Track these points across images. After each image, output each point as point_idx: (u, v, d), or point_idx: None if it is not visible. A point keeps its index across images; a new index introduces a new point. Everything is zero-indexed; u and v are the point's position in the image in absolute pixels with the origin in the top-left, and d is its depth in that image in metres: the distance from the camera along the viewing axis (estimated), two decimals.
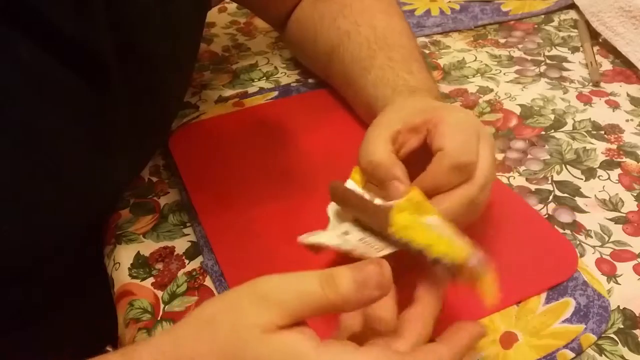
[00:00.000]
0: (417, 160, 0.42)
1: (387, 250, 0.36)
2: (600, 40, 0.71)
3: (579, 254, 0.45)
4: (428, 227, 0.36)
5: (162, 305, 0.43)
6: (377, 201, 0.39)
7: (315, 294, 0.29)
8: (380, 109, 0.49)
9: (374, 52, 0.54)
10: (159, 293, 0.44)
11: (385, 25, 0.56)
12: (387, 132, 0.43)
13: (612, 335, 0.40)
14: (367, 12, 0.57)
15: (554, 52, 0.70)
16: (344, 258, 0.43)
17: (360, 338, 0.33)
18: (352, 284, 0.30)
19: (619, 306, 0.42)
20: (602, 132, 0.58)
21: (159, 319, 0.42)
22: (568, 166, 0.54)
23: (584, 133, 0.57)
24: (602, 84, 0.64)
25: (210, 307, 0.31)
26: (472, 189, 0.39)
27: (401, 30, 0.57)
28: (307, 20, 0.61)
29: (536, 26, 0.75)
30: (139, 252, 0.47)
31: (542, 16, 0.77)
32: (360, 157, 0.43)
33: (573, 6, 0.78)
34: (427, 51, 0.70)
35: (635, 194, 0.51)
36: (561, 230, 0.48)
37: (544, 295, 0.42)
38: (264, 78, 0.66)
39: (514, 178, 0.53)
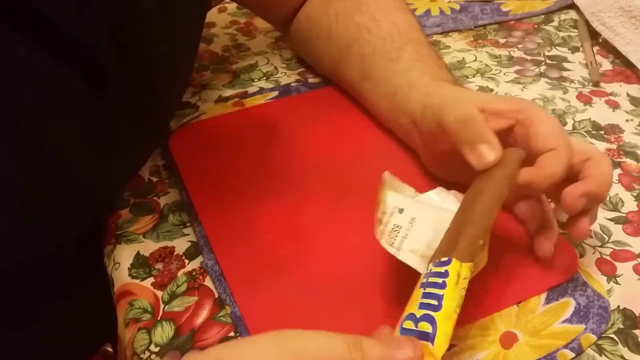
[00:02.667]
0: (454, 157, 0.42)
1: (405, 258, 0.36)
2: (600, 40, 0.71)
3: (578, 254, 0.45)
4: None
5: (162, 305, 0.43)
6: None
7: (343, 356, 0.29)
8: (416, 94, 0.49)
9: (400, 45, 0.53)
10: (159, 293, 0.44)
11: (404, 21, 0.56)
12: (474, 101, 0.42)
13: (612, 336, 0.40)
14: (385, 9, 0.57)
15: (554, 52, 0.70)
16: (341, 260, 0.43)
17: None
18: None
19: (619, 306, 0.42)
20: (602, 132, 0.58)
21: (158, 319, 0.42)
22: None
23: (584, 133, 0.57)
24: (602, 84, 0.64)
25: (231, 357, 0.29)
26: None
27: (419, 27, 0.57)
28: (319, 17, 0.61)
29: (536, 26, 0.75)
30: (138, 252, 0.47)
31: (542, 16, 0.77)
32: (447, 115, 0.42)
33: (573, 6, 0.78)
34: None
35: (635, 194, 0.51)
36: (561, 231, 0.48)
37: (544, 296, 0.42)
38: (264, 78, 0.66)
39: None
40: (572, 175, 0.41)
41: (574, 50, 0.70)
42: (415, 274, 0.36)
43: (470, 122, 0.41)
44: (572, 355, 0.39)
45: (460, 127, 0.41)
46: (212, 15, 0.80)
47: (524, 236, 0.46)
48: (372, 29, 0.56)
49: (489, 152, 0.39)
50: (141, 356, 0.40)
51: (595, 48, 0.70)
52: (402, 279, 0.43)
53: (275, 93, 0.63)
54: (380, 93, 0.54)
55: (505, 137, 0.42)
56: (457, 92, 0.46)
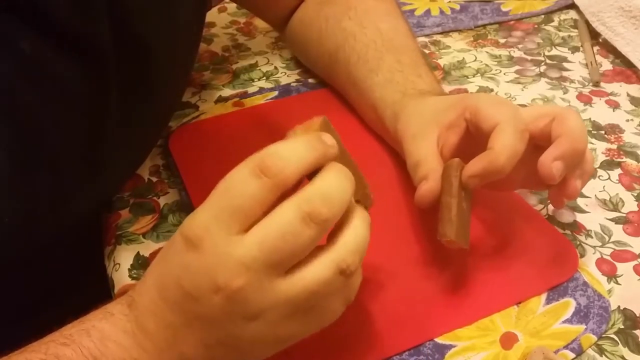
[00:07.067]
0: (467, 148, 0.43)
1: None
2: (600, 40, 0.71)
3: (579, 254, 0.45)
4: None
5: None
6: None
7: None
8: (389, 113, 0.50)
9: (381, 54, 0.54)
10: None
11: (391, 27, 0.56)
12: (430, 127, 0.44)
13: (613, 336, 0.40)
14: (372, 14, 0.57)
15: (554, 52, 0.70)
16: None
17: None
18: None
19: (619, 306, 0.42)
20: (602, 132, 0.58)
21: None
22: None
23: None
24: (602, 84, 0.64)
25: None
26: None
27: (406, 32, 0.57)
28: (311, 21, 0.62)
29: (536, 26, 0.75)
30: (138, 252, 0.47)
31: (542, 16, 0.77)
32: (406, 155, 0.44)
33: (573, 6, 0.78)
34: (427, 51, 0.70)
35: (635, 194, 0.51)
36: (561, 231, 0.48)
37: (544, 296, 0.42)
38: (264, 78, 0.66)
39: None
40: (544, 143, 0.40)
41: (574, 50, 0.70)
42: (412, 277, 0.36)
43: (418, 169, 0.43)
44: (573, 355, 0.39)
45: (412, 173, 0.44)
46: (212, 15, 0.80)
47: (524, 236, 0.46)
48: (357, 35, 0.56)
49: (421, 197, 0.42)
50: None
51: (595, 48, 0.70)
52: (401, 279, 0.43)
53: (275, 93, 0.63)
54: (363, 105, 0.56)
55: (469, 139, 0.43)
56: (417, 119, 0.46)
